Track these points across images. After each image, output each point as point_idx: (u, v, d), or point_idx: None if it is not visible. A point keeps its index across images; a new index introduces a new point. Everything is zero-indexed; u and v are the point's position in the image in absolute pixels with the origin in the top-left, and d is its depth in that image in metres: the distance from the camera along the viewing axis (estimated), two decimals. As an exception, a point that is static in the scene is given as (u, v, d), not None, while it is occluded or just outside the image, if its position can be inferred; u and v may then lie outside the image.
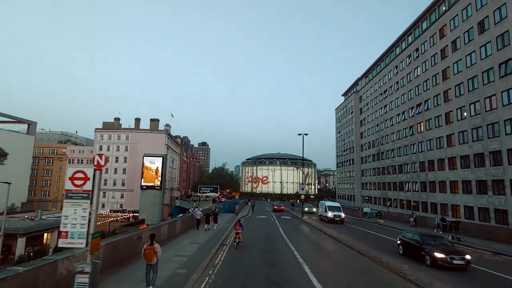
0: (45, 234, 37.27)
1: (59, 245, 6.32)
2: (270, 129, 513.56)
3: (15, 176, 58.53)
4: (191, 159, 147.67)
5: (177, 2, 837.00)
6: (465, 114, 35.13)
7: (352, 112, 75.20)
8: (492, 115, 30.91)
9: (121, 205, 71.65)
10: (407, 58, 49.74)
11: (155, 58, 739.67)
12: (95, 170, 6.60)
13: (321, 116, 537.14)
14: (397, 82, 52.81)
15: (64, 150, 77.78)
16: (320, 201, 44.55)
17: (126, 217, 59.81)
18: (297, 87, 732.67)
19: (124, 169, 74.03)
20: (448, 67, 38.57)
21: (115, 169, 74.31)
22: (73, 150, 77.96)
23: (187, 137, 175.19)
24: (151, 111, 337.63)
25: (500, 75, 30.15)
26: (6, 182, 22.79)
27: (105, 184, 73.71)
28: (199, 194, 65.54)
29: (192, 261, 12.57)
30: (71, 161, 76.69)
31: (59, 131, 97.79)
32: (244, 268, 12.37)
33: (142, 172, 54.79)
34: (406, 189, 48.00)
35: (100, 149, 74.82)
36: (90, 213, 6.23)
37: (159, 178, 54.40)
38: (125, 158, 74.46)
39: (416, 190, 44.88)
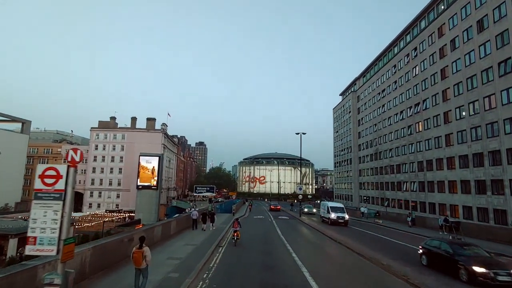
0: (39, 235, 36.50)
1: (26, 252, 5.57)
2: (268, 129, 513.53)
3: (9, 176, 57.76)
4: (188, 158, 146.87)
5: (177, 1, 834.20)
6: (464, 113, 34.87)
7: (349, 112, 74.93)
8: (491, 114, 30.65)
9: (117, 205, 70.89)
10: (405, 57, 49.47)
11: (153, 57, 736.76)
12: (68, 167, 5.88)
13: (319, 116, 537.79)
14: (395, 82, 52.54)
15: (59, 150, 76.83)
16: (322, 202, 41.79)
17: (122, 217, 59.17)
18: (295, 87, 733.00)
19: (120, 169, 73.29)
20: (447, 66, 38.30)
21: (111, 168, 73.57)
22: (68, 150, 76.97)
23: (184, 136, 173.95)
24: (149, 111, 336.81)
25: (499, 74, 29.88)
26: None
27: (101, 183, 73.03)
28: (195, 194, 64.97)
29: (186, 264, 12.06)
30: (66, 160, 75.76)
31: (54, 130, 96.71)
32: (240, 271, 11.89)
33: (138, 172, 54.17)
34: (404, 189, 47.74)
35: (96, 149, 74.14)
36: (62, 216, 5.52)
37: (156, 178, 53.80)
38: (121, 157, 73.73)
39: (414, 190, 44.63)
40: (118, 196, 72.35)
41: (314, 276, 11.28)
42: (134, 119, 77.26)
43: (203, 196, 72.40)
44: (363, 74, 70.37)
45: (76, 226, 44.67)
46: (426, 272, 12.79)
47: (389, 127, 54.07)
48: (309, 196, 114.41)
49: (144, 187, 52.81)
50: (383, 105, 56.99)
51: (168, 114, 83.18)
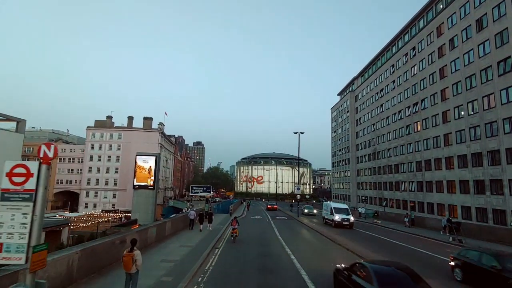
0: (33, 236, 35.97)
1: None
2: (266, 129, 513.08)
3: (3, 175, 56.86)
4: (185, 158, 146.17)
5: (177, 2, 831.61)
6: (462, 113, 34.66)
7: (347, 112, 74.69)
8: (491, 114, 30.43)
9: (113, 205, 70.18)
10: (404, 56, 49.25)
11: (151, 57, 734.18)
12: (40, 164, 5.29)
13: (317, 116, 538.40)
14: (394, 81, 52.32)
15: (54, 149, 75.90)
16: (324, 202, 38.78)
17: (118, 217, 58.56)
18: (293, 86, 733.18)
19: (117, 168, 72.53)
20: (446, 65, 38.08)
21: (107, 168, 72.79)
22: (64, 149, 76.12)
23: (181, 136, 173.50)
24: (146, 110, 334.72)
25: (498, 73, 29.66)
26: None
27: (97, 183, 72.25)
28: (191, 194, 64.52)
29: (180, 267, 11.63)
30: (62, 160, 74.94)
31: (50, 129, 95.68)
32: (236, 275, 11.47)
33: (135, 172, 53.60)
34: (402, 189, 47.52)
35: (92, 148, 73.34)
36: (32, 219, 4.90)
37: (152, 178, 53.26)
38: (118, 157, 72.96)
39: (413, 190, 44.40)
40: (114, 196, 71.61)
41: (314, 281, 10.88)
42: (130, 118, 76.50)
43: (200, 196, 72.05)
44: (361, 74, 70.15)
45: (71, 227, 44.10)
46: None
47: (387, 127, 53.85)
48: (307, 196, 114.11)
49: (140, 187, 52.27)
50: (381, 105, 56.76)
51: (165, 113, 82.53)
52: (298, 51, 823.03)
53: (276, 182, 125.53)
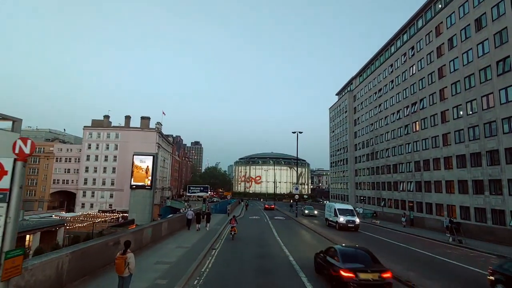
0: (27, 236, 35.63)
1: None
2: (264, 129, 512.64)
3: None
4: (183, 158, 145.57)
5: (176, 2, 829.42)
6: (461, 112, 34.53)
7: (346, 112, 74.55)
8: (489, 113, 30.31)
9: (110, 205, 69.68)
10: (402, 56, 49.12)
11: (149, 57, 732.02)
12: (15, 160, 4.86)
13: (315, 116, 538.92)
14: (392, 81, 52.19)
15: (51, 148, 75.28)
16: (327, 203, 36.31)
17: (115, 217, 58.16)
18: (291, 86, 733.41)
19: (114, 168, 72.06)
20: (444, 65, 37.96)
21: (104, 168, 72.33)
22: (61, 149, 75.59)
23: (179, 136, 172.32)
24: (143, 110, 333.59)
25: (497, 73, 29.54)
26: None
27: (94, 183, 71.76)
28: (188, 194, 64.08)
29: (176, 269, 11.32)
30: (59, 159, 74.35)
31: (46, 129, 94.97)
32: (234, 277, 11.18)
33: (132, 171, 53.04)
34: (401, 189, 47.39)
35: (89, 148, 72.85)
36: (5, 222, 4.42)
37: (150, 178, 52.72)
38: (115, 156, 72.51)
39: (411, 190, 44.28)
40: (111, 196, 71.14)
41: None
42: (128, 118, 76.03)
43: (198, 196, 71.68)
44: (359, 74, 70.02)
45: (67, 227, 43.71)
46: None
47: (385, 127, 53.71)
48: (305, 196, 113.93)
49: (137, 186, 51.73)
50: (380, 105, 56.63)
51: (163, 113, 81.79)
52: (297, 51, 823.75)
53: (274, 182, 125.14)
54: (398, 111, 49.35)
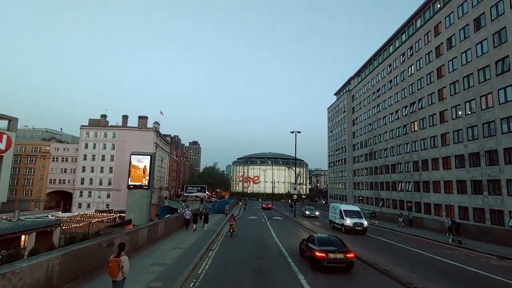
0: (23, 236, 35.17)
1: None
2: (263, 129, 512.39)
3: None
4: (181, 158, 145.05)
5: (174, 1, 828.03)
6: (460, 112, 34.44)
7: (344, 111, 74.47)
8: (488, 113, 30.21)
9: (107, 205, 69.25)
10: (401, 56, 49.02)
11: (147, 56, 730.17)
12: None
13: (313, 116, 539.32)
14: (391, 81, 52.10)
15: (48, 148, 74.67)
16: (331, 204, 33.41)
17: (112, 217, 57.74)
18: (289, 86, 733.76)
19: (111, 168, 71.56)
20: (443, 65, 37.87)
21: (101, 168, 71.80)
22: (57, 148, 74.95)
23: (177, 136, 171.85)
24: (141, 109, 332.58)
25: (496, 73, 29.46)
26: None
27: (91, 183, 71.24)
28: (185, 194, 63.72)
29: (172, 271, 11.05)
30: (55, 159, 73.75)
31: (43, 128, 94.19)
32: (231, 279, 10.92)
33: (129, 171, 52.76)
34: (399, 189, 47.30)
35: (86, 147, 72.34)
36: None
37: (147, 177, 52.48)
38: (112, 156, 72.01)
39: (409, 190, 44.18)
40: (108, 196, 70.65)
41: None
42: (125, 117, 75.51)
43: (196, 196, 71.34)
44: (358, 74, 69.94)
45: (64, 227, 43.26)
46: None
47: (384, 127, 53.62)
48: (303, 196, 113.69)
49: (135, 186, 51.49)
50: (378, 105, 56.54)
51: (161, 112, 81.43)
52: (296, 51, 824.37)
53: (272, 182, 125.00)
54: (397, 111, 49.26)
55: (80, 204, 70.08)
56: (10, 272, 6.15)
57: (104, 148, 72.47)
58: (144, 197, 51.33)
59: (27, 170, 73.26)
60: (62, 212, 61.40)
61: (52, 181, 73.04)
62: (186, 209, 29.64)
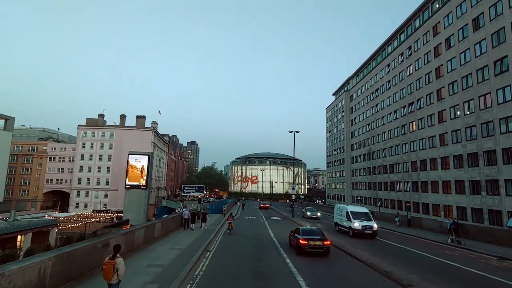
0: (19, 237, 34.81)
1: None
2: (261, 129, 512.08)
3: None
4: (179, 158, 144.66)
5: (173, 1, 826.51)
6: (458, 112, 34.42)
7: (342, 111, 74.43)
8: (487, 113, 30.20)
9: (104, 205, 68.81)
10: (400, 56, 49.00)
11: (145, 56, 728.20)
12: None
13: (311, 116, 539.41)
14: (389, 81, 52.07)
15: (44, 147, 74.11)
16: (336, 205, 30.63)
17: (109, 217, 57.40)
18: (288, 86, 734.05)
19: (108, 168, 71.14)
20: (442, 65, 37.85)
21: (99, 167, 71.37)
22: (54, 148, 74.42)
23: (175, 135, 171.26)
24: (139, 109, 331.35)
25: (495, 73, 29.45)
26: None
27: (88, 183, 70.81)
28: (183, 194, 63.47)
29: (168, 272, 10.85)
30: (52, 158, 73.24)
31: (40, 127, 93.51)
32: (228, 280, 10.74)
33: (127, 171, 52.51)
34: (398, 189, 47.27)
35: (83, 147, 71.87)
36: None
37: (145, 177, 52.25)
38: (109, 156, 71.59)
39: (408, 190, 44.16)
40: (106, 196, 70.23)
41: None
42: (123, 117, 75.09)
43: (194, 196, 71.02)
44: (356, 74, 69.92)
45: (60, 227, 42.92)
46: None
47: (382, 127, 53.59)
48: (302, 196, 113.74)
49: (132, 186, 51.26)
50: (377, 105, 56.51)
51: (159, 112, 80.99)
52: (295, 51, 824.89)
53: (270, 182, 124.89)
54: (395, 111, 49.23)
55: (77, 204, 69.62)
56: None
57: (102, 147, 72.04)
58: (142, 197, 51.08)
59: (24, 170, 72.71)
60: (59, 212, 60.96)
61: (49, 180, 72.51)
62: (184, 209, 29.55)
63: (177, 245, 16.56)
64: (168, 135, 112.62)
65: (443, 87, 37.25)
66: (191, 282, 10.17)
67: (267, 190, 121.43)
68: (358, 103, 66.15)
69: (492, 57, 29.86)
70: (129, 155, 53.20)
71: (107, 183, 70.73)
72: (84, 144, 72.00)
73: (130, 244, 13.77)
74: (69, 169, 72.35)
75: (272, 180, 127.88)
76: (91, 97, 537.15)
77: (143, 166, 52.64)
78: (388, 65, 52.84)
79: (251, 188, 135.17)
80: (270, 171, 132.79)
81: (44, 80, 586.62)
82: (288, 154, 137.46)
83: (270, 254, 15.67)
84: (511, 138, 27.35)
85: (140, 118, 74.95)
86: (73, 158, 72.26)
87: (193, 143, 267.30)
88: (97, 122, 73.75)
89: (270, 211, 56.40)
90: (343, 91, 77.51)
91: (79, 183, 70.73)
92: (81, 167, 71.25)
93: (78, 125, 72.94)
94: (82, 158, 71.50)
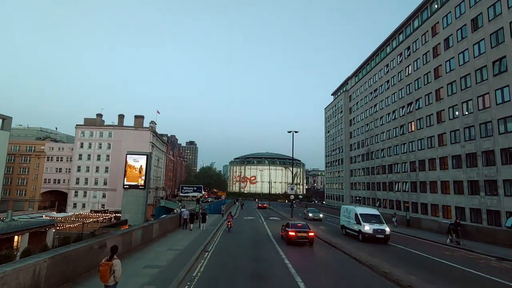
0: (16, 237, 34.59)
1: None
2: (260, 129, 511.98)
3: None
4: (178, 158, 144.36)
5: (172, 1, 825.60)
6: (457, 113, 34.44)
7: (341, 112, 74.44)
8: (485, 114, 30.21)
9: (102, 205, 68.60)
10: (398, 56, 49.01)
11: (144, 55, 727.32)
12: None
13: (310, 116, 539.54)
14: (388, 81, 52.09)
15: (42, 147, 73.79)
16: (344, 206, 27.74)
17: (107, 217, 57.19)
18: (287, 87, 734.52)
19: (106, 168, 70.91)
20: (440, 65, 37.87)
21: (97, 167, 71.14)
22: (52, 147, 74.13)
23: (174, 135, 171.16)
24: (137, 109, 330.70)
25: (494, 73, 29.46)
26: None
27: (86, 183, 70.55)
28: (181, 194, 63.32)
29: (166, 274, 10.74)
30: (50, 158, 72.92)
31: (38, 127, 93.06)
32: (227, 281, 10.64)
33: (125, 171, 52.26)
34: (396, 190, 47.28)
35: (81, 147, 71.64)
36: None
37: (143, 177, 52.02)
38: (108, 156, 71.37)
39: (406, 190, 44.17)
40: (104, 196, 69.99)
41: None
42: (121, 117, 74.86)
43: (192, 196, 70.89)
44: (355, 74, 69.94)
45: (58, 228, 42.70)
46: None
47: (381, 127, 53.60)
48: (300, 197, 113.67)
49: (131, 186, 51.01)
50: (375, 105, 56.52)
51: (158, 112, 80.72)
52: (293, 51, 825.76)
53: (269, 182, 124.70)
54: (394, 111, 49.24)
55: (75, 204, 69.36)
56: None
57: (100, 147, 71.80)
58: (140, 197, 50.87)
59: (21, 170, 72.38)
60: (57, 212, 60.67)
61: (47, 180, 72.22)
62: (184, 209, 29.51)
63: (175, 245, 16.45)
64: (166, 135, 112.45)
65: (442, 87, 37.26)
66: (189, 283, 10.06)
67: (265, 190, 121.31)
68: (357, 103, 66.17)
69: (490, 57, 29.87)
70: (127, 155, 52.96)
71: (105, 183, 70.51)
72: (82, 144, 71.75)
73: (127, 245, 13.65)
74: (67, 169, 72.07)
75: (270, 180, 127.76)
76: (89, 97, 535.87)
77: (141, 166, 52.41)
78: (387, 65, 52.86)
79: (249, 188, 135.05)
80: (268, 171, 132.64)
81: (42, 80, 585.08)
82: (287, 154, 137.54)
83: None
84: (510, 139, 27.37)
85: (139, 118, 74.75)
86: (71, 158, 72.00)
87: (191, 143, 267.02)
88: (95, 122, 73.52)
89: (268, 211, 56.35)
90: (342, 91, 77.53)
91: (77, 183, 70.46)
92: (79, 167, 70.98)
93: (76, 125, 72.68)
94: (80, 158, 71.25)
